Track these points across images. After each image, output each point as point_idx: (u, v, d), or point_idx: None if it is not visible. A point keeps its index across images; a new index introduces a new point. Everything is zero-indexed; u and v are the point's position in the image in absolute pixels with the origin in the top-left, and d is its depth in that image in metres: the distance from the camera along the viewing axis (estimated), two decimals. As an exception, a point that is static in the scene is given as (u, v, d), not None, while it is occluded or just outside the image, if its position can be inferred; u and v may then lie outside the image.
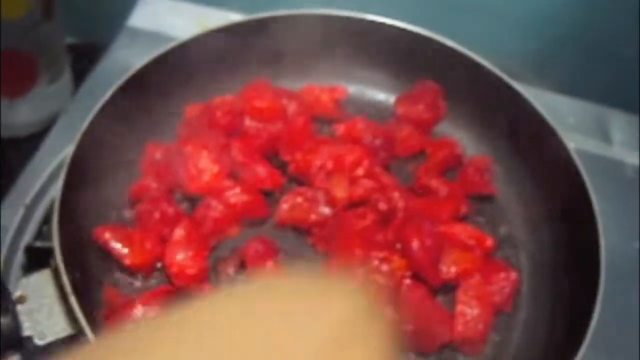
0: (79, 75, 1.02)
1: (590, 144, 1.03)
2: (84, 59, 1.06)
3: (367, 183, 0.81)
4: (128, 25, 1.06)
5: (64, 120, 0.95)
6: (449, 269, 0.77)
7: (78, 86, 1.00)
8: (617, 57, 1.07)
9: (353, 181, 0.80)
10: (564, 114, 1.04)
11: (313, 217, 0.79)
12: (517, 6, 1.06)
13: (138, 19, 1.07)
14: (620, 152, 1.03)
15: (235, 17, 1.05)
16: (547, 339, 0.77)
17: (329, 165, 0.81)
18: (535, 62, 1.11)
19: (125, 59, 1.00)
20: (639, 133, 1.04)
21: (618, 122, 1.06)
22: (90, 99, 0.79)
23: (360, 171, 0.81)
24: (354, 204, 0.80)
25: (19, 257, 0.81)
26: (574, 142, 0.97)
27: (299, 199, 0.80)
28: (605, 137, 1.04)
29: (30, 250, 0.80)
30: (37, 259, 0.76)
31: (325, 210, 0.79)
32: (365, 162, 0.81)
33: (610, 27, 1.05)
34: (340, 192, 0.79)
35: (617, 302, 0.84)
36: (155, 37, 1.04)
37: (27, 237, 0.83)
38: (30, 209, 0.84)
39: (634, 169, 1.01)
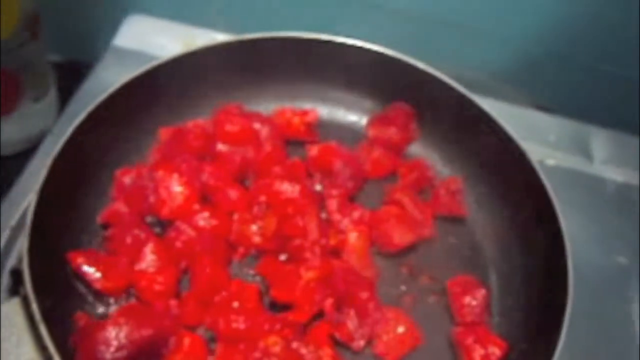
0: (65, 93, 1.03)
1: (571, 160, 1.03)
2: (70, 77, 1.06)
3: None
4: (114, 45, 1.07)
5: (50, 141, 0.95)
6: None
7: (64, 104, 1.02)
8: (599, 75, 1.07)
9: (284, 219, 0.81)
10: (545, 131, 1.05)
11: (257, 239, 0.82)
12: (499, 25, 1.06)
13: (124, 38, 1.08)
14: (601, 168, 1.03)
15: (221, 37, 1.06)
16: (518, 355, 0.78)
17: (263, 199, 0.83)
18: (517, 80, 1.11)
19: (111, 79, 0.99)
20: (620, 150, 1.05)
21: (599, 139, 1.06)
22: (77, 117, 0.81)
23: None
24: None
25: (5, 280, 0.81)
26: (555, 159, 0.99)
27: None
28: (586, 153, 1.04)
29: (15, 273, 0.79)
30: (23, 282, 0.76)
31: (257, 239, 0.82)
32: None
33: (592, 45, 1.05)
34: (267, 230, 0.81)
35: (600, 315, 0.86)
36: (141, 56, 1.04)
37: (12, 260, 0.83)
38: (15, 231, 0.84)
39: (614, 185, 1.02)
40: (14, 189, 0.90)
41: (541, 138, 1.04)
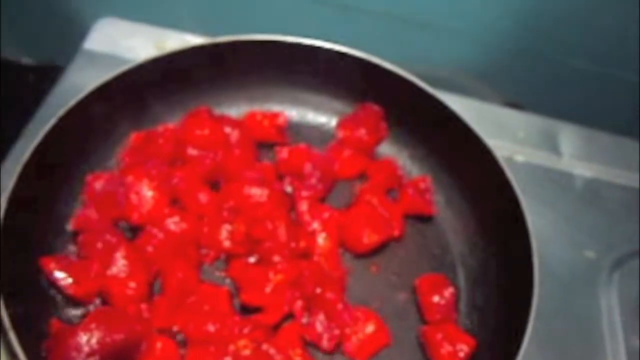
0: (39, 96, 1.03)
1: (540, 156, 1.04)
2: (43, 80, 1.07)
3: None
4: (85, 48, 1.07)
5: (21, 145, 0.95)
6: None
7: (38, 107, 1.01)
8: (567, 71, 1.09)
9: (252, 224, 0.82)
10: (515, 128, 1.06)
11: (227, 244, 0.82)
12: (468, 22, 1.07)
13: (95, 41, 1.08)
14: (570, 164, 1.05)
15: (192, 39, 1.06)
16: (486, 352, 0.79)
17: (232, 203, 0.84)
18: (486, 77, 1.12)
19: (82, 82, 1.00)
20: (588, 145, 1.06)
21: (567, 134, 1.07)
22: (48, 122, 0.81)
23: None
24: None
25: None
26: (524, 155, 1.00)
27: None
28: (555, 149, 1.05)
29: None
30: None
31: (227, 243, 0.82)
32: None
33: (560, 41, 1.06)
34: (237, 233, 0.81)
35: (569, 309, 0.89)
36: (112, 59, 1.05)
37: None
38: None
39: (583, 181, 1.03)
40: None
41: (510, 135, 1.05)
